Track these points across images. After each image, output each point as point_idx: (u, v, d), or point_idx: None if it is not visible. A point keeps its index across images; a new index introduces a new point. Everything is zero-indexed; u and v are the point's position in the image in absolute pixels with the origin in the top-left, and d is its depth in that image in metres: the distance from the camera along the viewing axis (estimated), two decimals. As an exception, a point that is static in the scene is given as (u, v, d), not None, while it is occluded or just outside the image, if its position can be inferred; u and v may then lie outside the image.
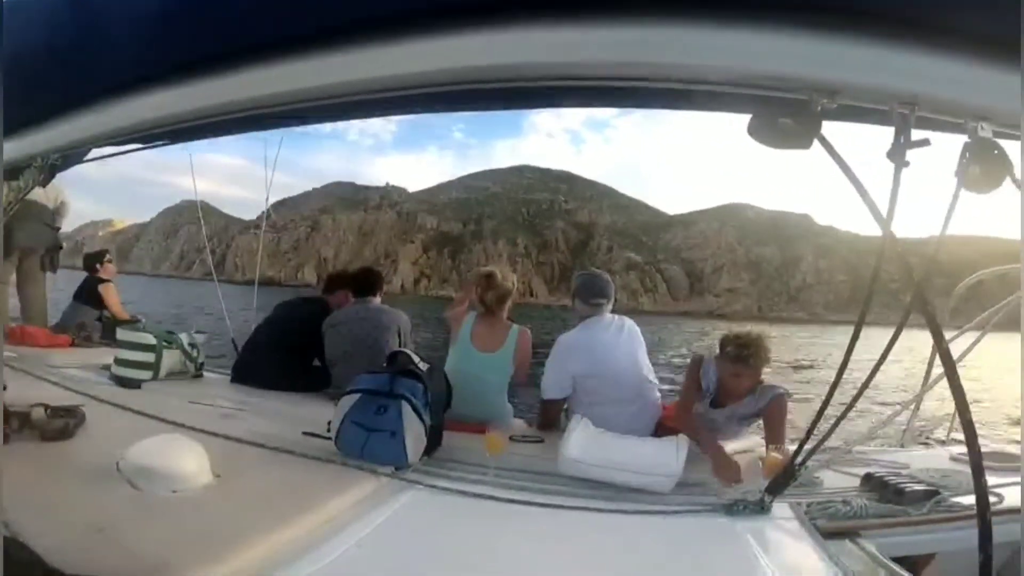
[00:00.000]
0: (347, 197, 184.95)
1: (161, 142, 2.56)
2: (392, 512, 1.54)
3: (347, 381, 2.00)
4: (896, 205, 1.05)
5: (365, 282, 3.27)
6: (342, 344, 3.05)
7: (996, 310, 2.53)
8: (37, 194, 4.10)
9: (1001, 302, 2.54)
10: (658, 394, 2.54)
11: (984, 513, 0.94)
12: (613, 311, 2.67)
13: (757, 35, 1.07)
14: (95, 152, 2.95)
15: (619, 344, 2.53)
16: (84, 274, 4.71)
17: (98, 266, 4.67)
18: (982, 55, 0.93)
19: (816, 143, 1.09)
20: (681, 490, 1.86)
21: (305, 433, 1.98)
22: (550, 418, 2.65)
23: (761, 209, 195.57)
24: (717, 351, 2.31)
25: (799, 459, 1.70)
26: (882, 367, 1.52)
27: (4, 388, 1.60)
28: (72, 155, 3.12)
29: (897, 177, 1.03)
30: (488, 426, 2.02)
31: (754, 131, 1.16)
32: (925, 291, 1.07)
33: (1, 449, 1.52)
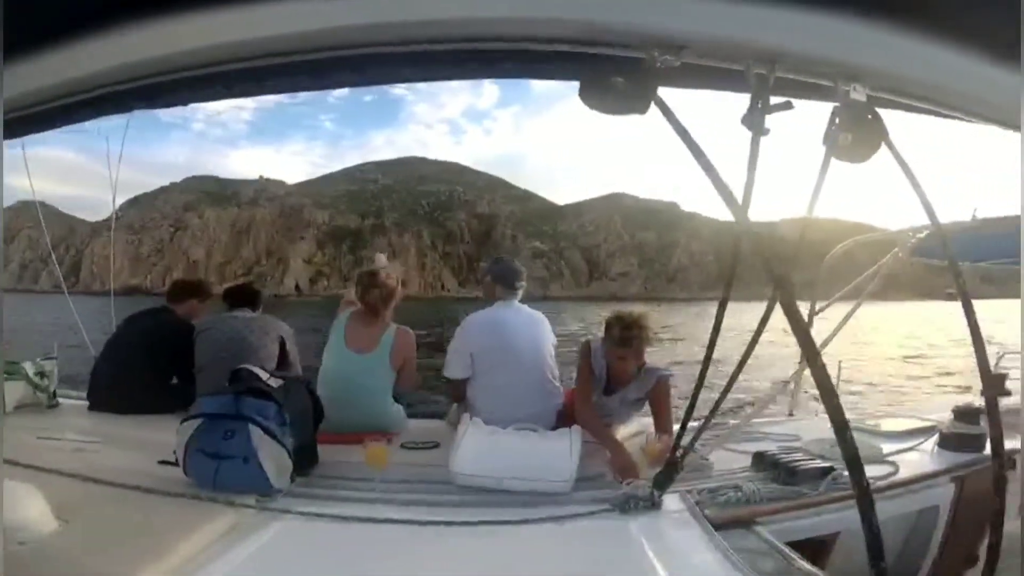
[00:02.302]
0: (213, 192, 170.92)
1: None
2: (258, 546, 1.47)
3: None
4: (755, 177, 0.97)
5: (238, 295, 3.08)
6: (209, 354, 2.83)
7: (870, 274, 2.60)
8: None
9: (869, 270, 2.65)
10: (559, 384, 2.56)
11: (864, 486, 0.87)
12: (525, 297, 2.70)
13: None
14: None
15: (524, 329, 2.52)
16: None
17: None
18: (852, 4, 0.82)
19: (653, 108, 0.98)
20: (578, 485, 1.86)
21: (161, 462, 1.86)
22: (455, 397, 2.63)
23: (637, 197, 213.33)
24: (604, 338, 2.36)
25: (682, 445, 1.71)
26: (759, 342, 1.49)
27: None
28: None
29: (755, 146, 0.95)
30: (367, 437, 1.97)
31: (585, 95, 1.04)
32: (783, 270, 1.00)
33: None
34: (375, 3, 0.97)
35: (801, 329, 0.91)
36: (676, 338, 22.92)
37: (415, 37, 1.08)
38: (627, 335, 2.25)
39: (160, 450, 1.95)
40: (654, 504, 1.70)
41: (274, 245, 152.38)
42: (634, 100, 0.98)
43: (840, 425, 0.86)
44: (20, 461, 1.90)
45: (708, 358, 1.45)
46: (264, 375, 1.91)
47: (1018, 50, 0.75)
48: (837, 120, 0.96)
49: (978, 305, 0.98)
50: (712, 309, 1.34)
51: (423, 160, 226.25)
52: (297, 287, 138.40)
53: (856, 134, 0.96)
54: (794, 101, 0.97)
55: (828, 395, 0.86)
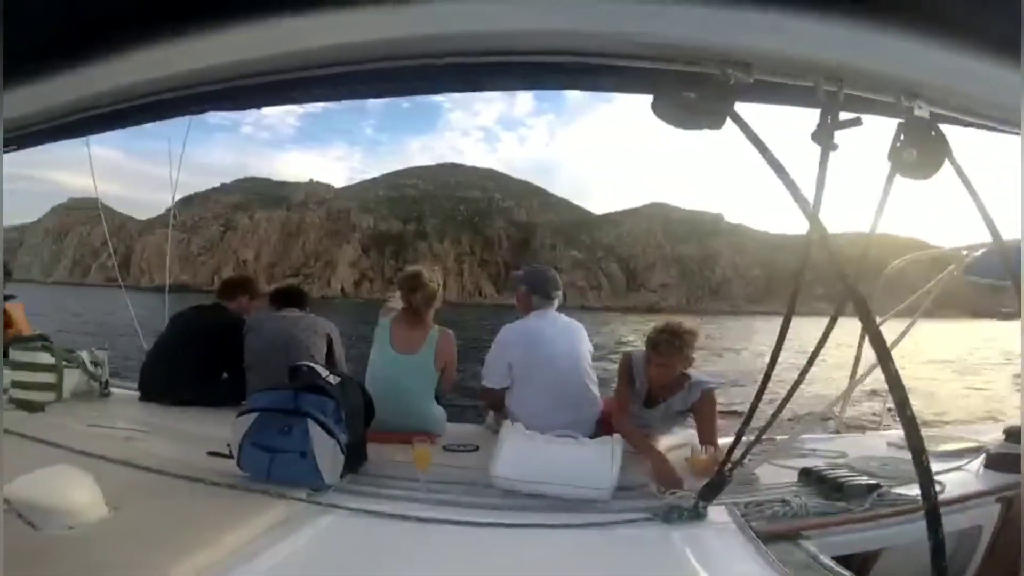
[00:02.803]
0: (264, 193, 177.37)
1: (41, 140, 2.38)
2: (309, 538, 1.51)
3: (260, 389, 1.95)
4: (823, 192, 0.99)
5: (285, 296, 3.19)
6: (259, 350, 2.93)
7: (926, 291, 2.61)
8: None
9: (924, 287, 2.64)
10: (598, 392, 2.56)
11: (932, 500, 0.90)
12: (562, 307, 2.72)
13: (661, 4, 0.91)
14: None
15: (562, 338, 2.54)
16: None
17: None
18: (916, 25, 0.85)
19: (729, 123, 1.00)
20: (619, 494, 1.86)
21: (210, 453, 1.91)
22: (490, 405, 2.67)
23: (678, 208, 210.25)
24: (645, 346, 2.35)
25: (732, 459, 1.70)
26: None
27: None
28: None
29: (824, 161, 0.97)
30: (415, 437, 2.00)
31: (658, 109, 1.05)
32: (856, 279, 1.04)
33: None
34: (458, 15, 1.03)
35: (878, 341, 0.92)
36: (725, 349, 22.41)
37: (492, 48, 1.14)
38: (672, 343, 2.24)
39: (208, 442, 2.00)
40: (698, 515, 1.70)
41: (321, 248, 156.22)
42: (709, 115, 0.99)
43: (914, 439, 0.87)
44: (73, 447, 1.97)
45: (769, 372, 1.43)
46: (323, 372, 1.96)
47: None
48: (902, 137, 0.96)
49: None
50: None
51: (460, 167, 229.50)
52: (343, 290, 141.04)
53: (921, 151, 0.96)
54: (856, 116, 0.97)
55: (902, 408, 0.87)
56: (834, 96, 0.93)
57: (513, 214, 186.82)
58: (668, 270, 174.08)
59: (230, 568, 1.32)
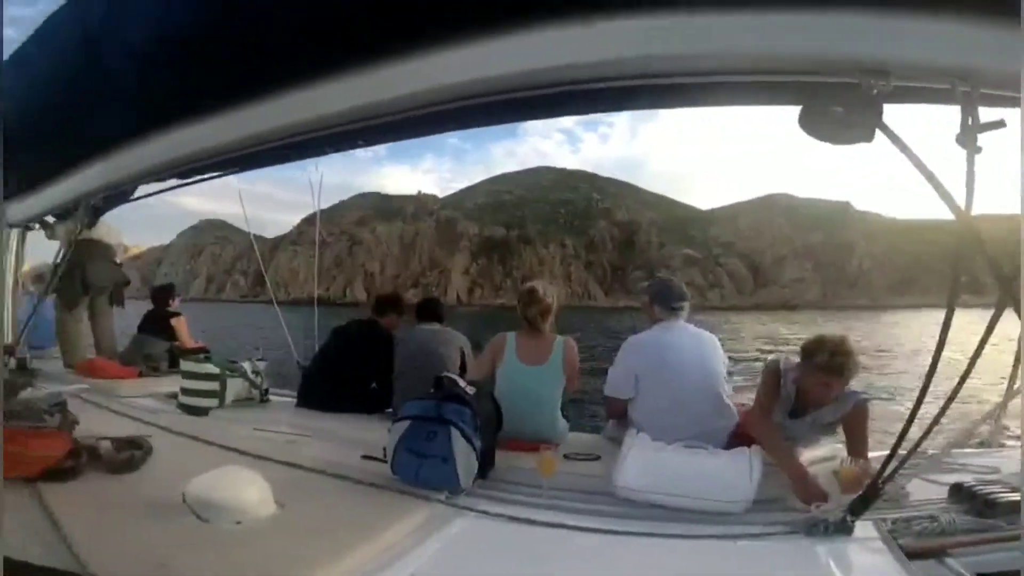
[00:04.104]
0: (379, 207, 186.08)
1: (201, 176, 2.78)
2: (447, 540, 1.58)
3: (408, 399, 2.11)
4: (973, 194, 0.98)
5: (427, 310, 3.50)
6: (406, 360, 3.25)
7: None
8: (102, 234, 4.53)
9: None
10: (732, 405, 2.50)
11: None
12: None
13: (797, 15, 1.00)
14: (139, 190, 3.24)
15: (692, 349, 2.51)
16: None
17: (170, 300, 5.06)
18: None
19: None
20: (755, 507, 1.82)
21: (364, 457, 2.10)
22: (613, 414, 2.70)
23: (797, 197, 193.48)
24: (800, 358, 2.27)
25: (885, 473, 1.64)
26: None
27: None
28: (114, 196, 3.43)
29: (971, 162, 0.96)
30: (541, 445, 2.08)
31: (806, 123, 1.09)
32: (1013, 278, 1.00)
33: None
34: (612, 41, 1.21)
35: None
36: (881, 352, 20.50)
37: (636, 72, 1.26)
38: (837, 362, 2.13)
39: (360, 446, 2.22)
40: (846, 530, 1.64)
41: (435, 257, 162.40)
42: (859, 128, 1.01)
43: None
44: (240, 449, 2.23)
45: (930, 378, 1.37)
46: (462, 383, 2.12)
47: None
48: None
49: None
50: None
51: (551, 169, 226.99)
52: (458, 298, 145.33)
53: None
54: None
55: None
56: (970, 97, 0.92)
57: (614, 214, 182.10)
58: (801, 263, 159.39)
59: (382, 566, 1.41)
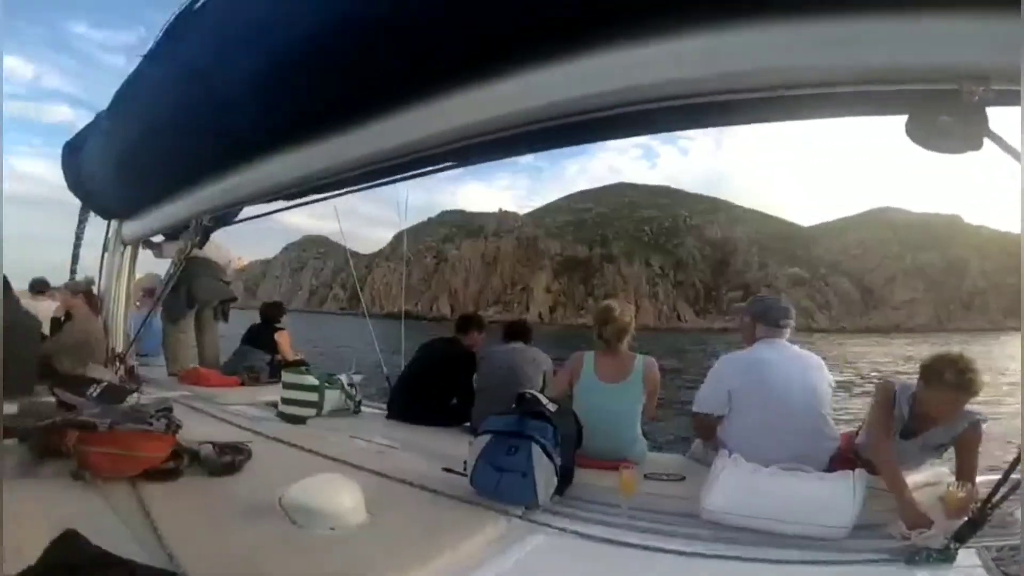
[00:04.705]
0: (462, 225, 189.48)
1: (305, 199, 3.02)
2: (522, 555, 1.59)
3: (489, 414, 2.18)
4: None
5: (514, 330, 3.63)
6: (490, 377, 3.38)
7: None
8: (210, 252, 4.94)
9: None
10: (835, 427, 2.40)
11: None
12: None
13: (890, 23, 1.00)
14: (252, 210, 3.57)
15: (792, 368, 2.43)
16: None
17: (279, 317, 5.47)
18: None
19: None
20: (851, 533, 1.75)
21: (444, 469, 2.17)
22: (701, 433, 2.64)
23: (906, 211, 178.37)
24: (922, 376, 2.18)
25: (995, 498, 1.55)
26: None
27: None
28: (223, 215, 3.79)
29: None
30: (621, 464, 2.07)
31: (913, 132, 1.07)
32: None
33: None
34: (700, 58, 1.28)
35: None
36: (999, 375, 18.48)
37: (724, 88, 1.30)
38: (966, 379, 2.04)
39: (442, 459, 2.28)
40: (948, 557, 1.55)
41: (516, 275, 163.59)
42: (967, 138, 1.00)
43: None
44: (334, 457, 2.36)
45: None
46: (544, 400, 2.17)
47: None
48: None
49: None
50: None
51: (631, 186, 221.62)
52: (540, 316, 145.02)
53: None
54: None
55: None
56: None
57: (704, 231, 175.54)
58: (912, 283, 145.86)
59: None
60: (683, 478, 2.37)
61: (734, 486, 1.88)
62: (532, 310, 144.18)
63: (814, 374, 2.43)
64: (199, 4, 2.48)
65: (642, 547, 1.64)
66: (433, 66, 1.86)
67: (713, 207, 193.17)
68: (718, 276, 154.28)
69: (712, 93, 1.44)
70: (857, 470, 1.92)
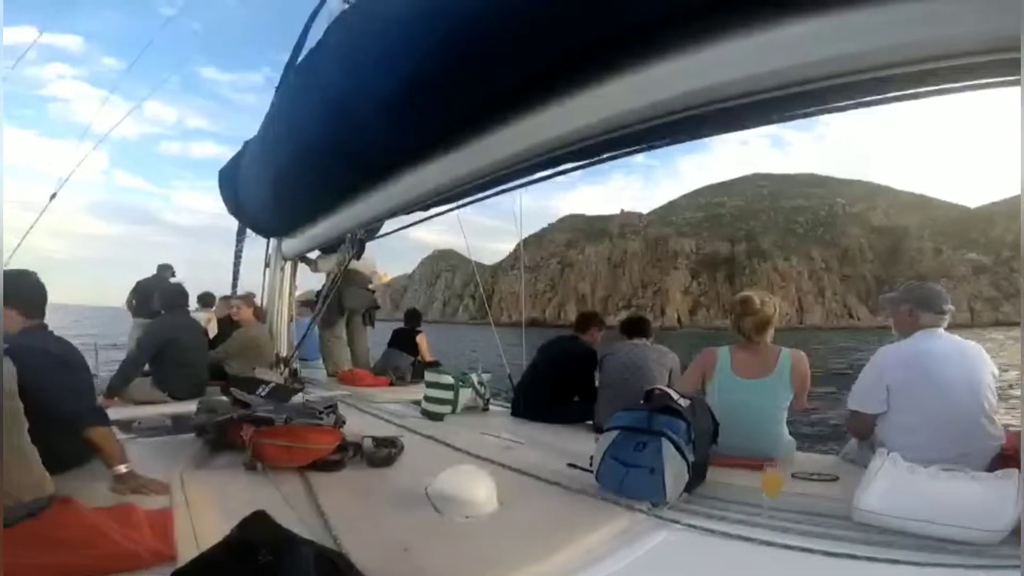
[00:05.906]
0: (585, 229, 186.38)
1: (444, 207, 3.26)
2: (648, 549, 1.60)
3: (613, 411, 2.20)
4: None
5: (634, 326, 3.65)
6: (613, 373, 3.41)
7: None
8: (358, 265, 5.48)
9: None
10: (999, 424, 2.19)
11: None
12: (959, 324, 2.40)
13: None
14: (392, 224, 3.91)
15: (956, 361, 2.26)
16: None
17: (418, 322, 6.15)
18: None
19: None
20: (1009, 538, 1.57)
21: (569, 465, 2.24)
22: (856, 432, 2.50)
23: None
24: None
25: None
26: None
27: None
28: (374, 228, 4.19)
29: None
30: (764, 462, 1.99)
31: None
32: None
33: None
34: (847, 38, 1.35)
35: None
36: None
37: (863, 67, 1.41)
38: None
39: (566, 454, 2.38)
40: None
41: (647, 277, 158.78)
42: None
43: None
44: (469, 451, 2.53)
45: None
46: (675, 395, 2.15)
47: None
48: None
49: None
50: None
51: (765, 176, 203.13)
52: (679, 319, 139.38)
53: None
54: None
55: None
56: None
57: (868, 218, 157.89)
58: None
59: (584, 567, 1.47)
60: (836, 478, 2.25)
61: (890, 486, 1.76)
62: (668, 313, 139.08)
63: (977, 365, 2.22)
64: (323, 39, 2.80)
65: (784, 546, 1.56)
66: (554, 69, 1.97)
67: (870, 192, 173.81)
68: (890, 267, 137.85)
69: (846, 74, 1.46)
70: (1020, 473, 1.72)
